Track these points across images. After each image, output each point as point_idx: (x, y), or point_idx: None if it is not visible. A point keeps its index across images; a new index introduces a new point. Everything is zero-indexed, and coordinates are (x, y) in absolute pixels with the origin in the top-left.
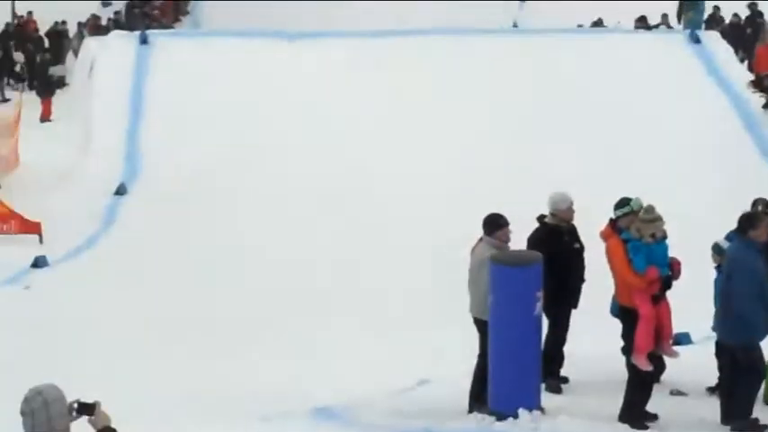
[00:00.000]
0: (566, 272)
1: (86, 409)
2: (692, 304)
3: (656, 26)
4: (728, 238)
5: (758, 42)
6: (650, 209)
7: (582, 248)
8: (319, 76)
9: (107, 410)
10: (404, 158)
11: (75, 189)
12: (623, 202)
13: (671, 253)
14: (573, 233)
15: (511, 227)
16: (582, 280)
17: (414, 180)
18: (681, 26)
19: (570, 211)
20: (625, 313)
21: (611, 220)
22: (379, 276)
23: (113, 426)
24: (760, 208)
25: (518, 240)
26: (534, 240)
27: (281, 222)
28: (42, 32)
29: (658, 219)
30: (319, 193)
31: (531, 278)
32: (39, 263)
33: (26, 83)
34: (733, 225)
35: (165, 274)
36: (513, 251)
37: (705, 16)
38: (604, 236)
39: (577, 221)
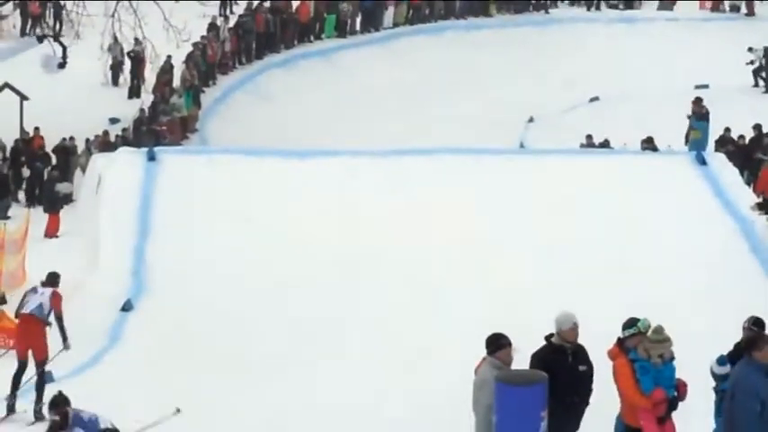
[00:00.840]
0: (567, 392)
1: None
2: (696, 423)
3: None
4: (720, 361)
5: (763, 164)
6: (659, 329)
7: (589, 370)
8: (331, 195)
9: None
10: (418, 279)
11: (81, 305)
12: (631, 322)
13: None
14: (578, 354)
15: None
16: (585, 402)
17: (430, 304)
18: (686, 147)
19: (573, 331)
20: None
21: (619, 339)
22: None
23: None
24: (746, 325)
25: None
26: (537, 358)
27: (290, 346)
28: (49, 149)
29: (667, 340)
30: (333, 317)
31: (536, 397)
32: (45, 379)
33: (31, 199)
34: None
35: (171, 390)
36: (517, 370)
37: (715, 136)
38: (611, 355)
39: (582, 338)
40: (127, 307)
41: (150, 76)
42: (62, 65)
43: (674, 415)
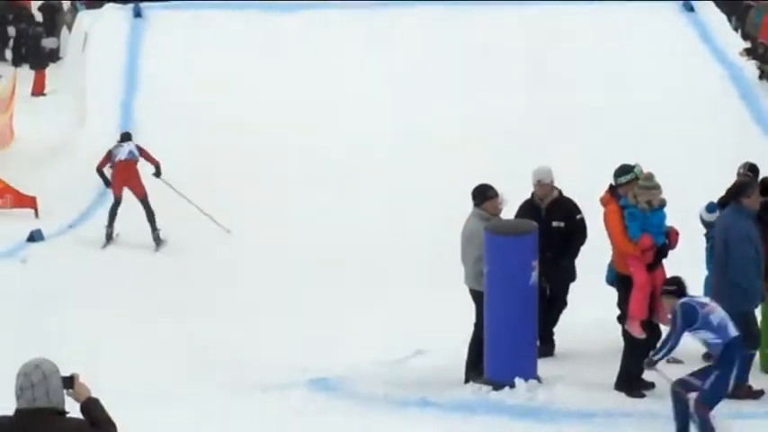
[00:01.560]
0: (540, 247)
1: (65, 382)
2: (689, 272)
3: None
4: (709, 208)
5: (751, 10)
6: (650, 176)
7: (567, 226)
8: (318, 47)
9: (90, 383)
10: (405, 129)
11: (69, 162)
12: (625, 169)
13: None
14: (552, 210)
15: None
16: (561, 257)
17: (412, 151)
18: None
19: (539, 186)
20: (621, 281)
21: (611, 186)
22: (377, 247)
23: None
24: (741, 171)
25: None
26: (517, 212)
27: (281, 199)
28: (35, 8)
29: (656, 187)
30: (320, 167)
31: (527, 247)
32: (35, 236)
33: (18, 58)
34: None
35: (151, 249)
36: (507, 220)
37: None
38: (603, 202)
39: (571, 192)
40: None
41: None
42: None
43: (665, 262)
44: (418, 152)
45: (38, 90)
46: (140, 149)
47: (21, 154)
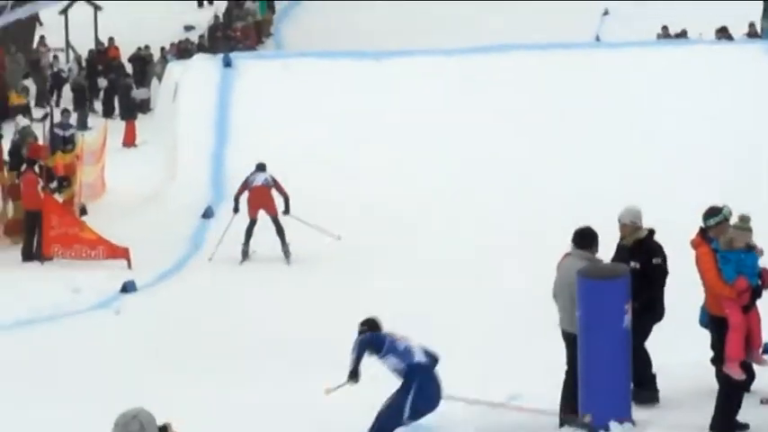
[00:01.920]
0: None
1: (161, 431)
2: None
3: (748, 34)
4: None
5: None
6: (745, 218)
7: (644, 266)
8: (408, 95)
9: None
10: (502, 171)
11: (162, 213)
12: (715, 211)
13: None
14: (634, 251)
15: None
16: (640, 299)
17: (509, 190)
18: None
19: (620, 226)
20: (715, 323)
21: (702, 229)
22: (468, 291)
23: None
24: None
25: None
26: (613, 254)
27: (370, 237)
28: (125, 59)
29: (750, 229)
30: (413, 209)
31: (619, 291)
32: (128, 288)
33: (108, 110)
34: None
35: (253, 295)
36: (601, 264)
37: None
38: (694, 245)
39: (659, 232)
40: (207, 214)
41: None
42: None
43: (759, 303)
44: (519, 196)
45: (129, 141)
46: (274, 179)
47: (113, 205)
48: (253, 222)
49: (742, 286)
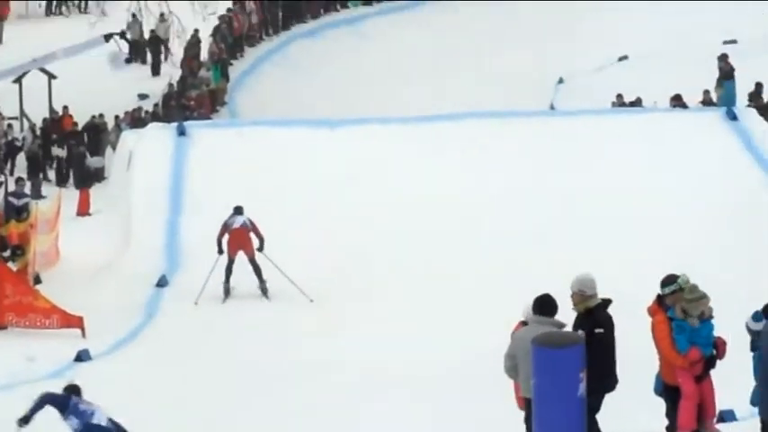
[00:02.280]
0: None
1: None
2: (738, 381)
3: (703, 102)
4: (755, 317)
5: None
6: (694, 288)
7: (587, 338)
8: (363, 163)
9: None
10: (444, 237)
11: (116, 282)
12: (670, 280)
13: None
14: (582, 320)
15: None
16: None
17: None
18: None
19: (572, 296)
20: (669, 391)
21: (658, 296)
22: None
23: None
24: None
25: None
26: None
27: (326, 313)
28: (80, 126)
29: (703, 297)
30: (366, 281)
31: (573, 359)
32: (82, 357)
33: (63, 178)
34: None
35: (207, 365)
36: (554, 332)
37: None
38: (651, 312)
39: (615, 300)
40: (162, 282)
41: (178, 50)
42: (128, 60)
43: (713, 372)
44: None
45: (83, 210)
46: (251, 222)
47: (67, 274)
48: (231, 261)
49: (694, 357)
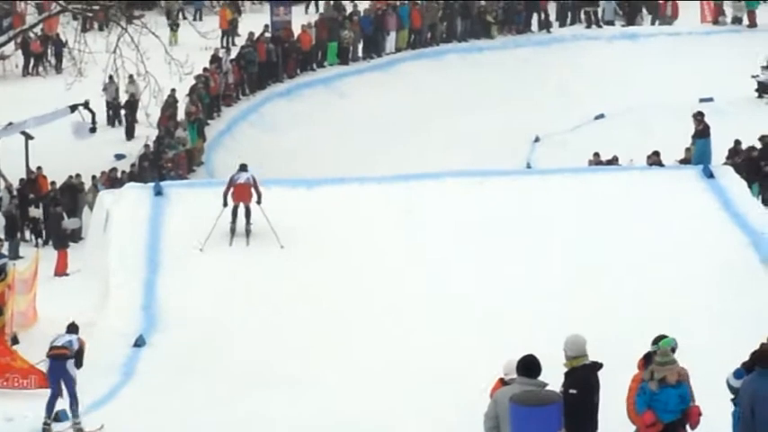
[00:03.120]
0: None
1: None
2: None
3: (684, 160)
4: (737, 374)
5: None
6: (665, 353)
7: (575, 394)
8: (341, 222)
9: None
10: (431, 300)
11: (93, 342)
12: (656, 340)
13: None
14: (565, 378)
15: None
16: (571, 427)
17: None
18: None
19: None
20: None
21: (647, 354)
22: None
23: None
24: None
25: None
26: None
27: (307, 370)
28: (57, 187)
29: (667, 363)
30: (347, 339)
31: (549, 417)
32: (60, 417)
33: (41, 238)
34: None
35: (187, 423)
36: (531, 391)
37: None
38: (638, 366)
39: (598, 358)
40: (139, 342)
41: (154, 110)
42: (93, 130)
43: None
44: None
45: (60, 270)
46: (254, 178)
47: (44, 334)
48: (235, 207)
49: (647, 420)
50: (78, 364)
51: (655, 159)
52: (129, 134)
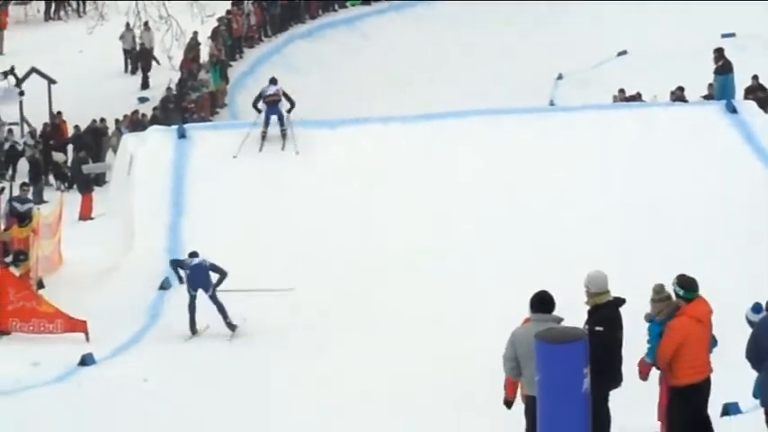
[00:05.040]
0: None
1: None
2: (740, 374)
3: (707, 95)
4: (755, 309)
5: None
6: (656, 289)
7: (601, 332)
8: (366, 161)
9: None
10: (446, 237)
11: (119, 285)
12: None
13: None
14: (589, 316)
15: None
16: (597, 363)
17: (452, 257)
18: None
19: (586, 291)
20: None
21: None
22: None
23: None
24: None
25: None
26: None
27: (323, 307)
28: (82, 131)
29: (659, 301)
30: (370, 275)
31: (576, 354)
32: (86, 361)
33: (66, 182)
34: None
35: (212, 367)
36: (557, 328)
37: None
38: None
39: (620, 293)
40: (165, 285)
41: (177, 53)
42: (21, 93)
43: (717, 362)
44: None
45: (85, 214)
46: (283, 91)
47: (70, 278)
48: (267, 119)
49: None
50: (219, 272)
51: (678, 95)
52: (144, 84)
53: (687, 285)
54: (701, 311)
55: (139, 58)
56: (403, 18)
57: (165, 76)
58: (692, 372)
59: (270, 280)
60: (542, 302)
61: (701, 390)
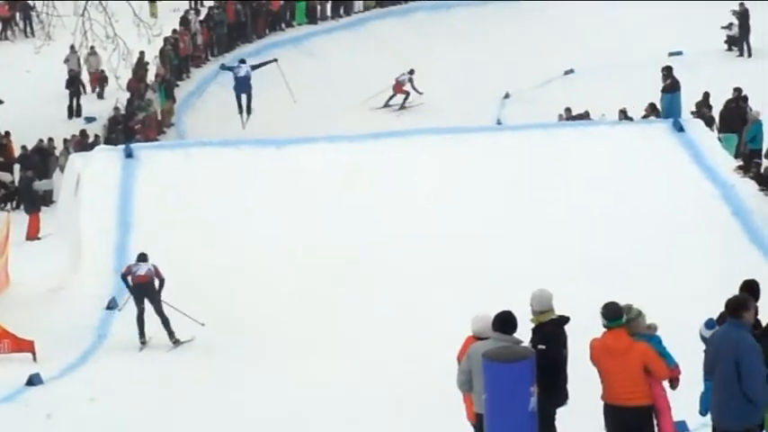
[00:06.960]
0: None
1: None
2: (685, 387)
3: (647, 115)
4: (708, 324)
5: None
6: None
7: (543, 350)
8: (310, 181)
9: None
10: (396, 258)
11: (66, 305)
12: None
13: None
14: (533, 334)
15: None
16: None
17: (408, 283)
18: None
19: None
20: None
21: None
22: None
23: None
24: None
25: None
26: None
27: (277, 325)
28: (29, 151)
29: (632, 320)
30: (316, 292)
31: (522, 373)
32: (33, 380)
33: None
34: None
35: (157, 386)
36: (504, 347)
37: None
38: (622, 345)
39: (569, 314)
40: (112, 305)
41: (124, 72)
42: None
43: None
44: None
45: (32, 234)
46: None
47: (17, 298)
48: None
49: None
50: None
51: (624, 115)
52: (74, 112)
53: (607, 314)
54: (614, 344)
55: (67, 86)
56: (350, 37)
57: (111, 96)
58: (605, 392)
59: (219, 300)
60: (503, 323)
61: (606, 413)
